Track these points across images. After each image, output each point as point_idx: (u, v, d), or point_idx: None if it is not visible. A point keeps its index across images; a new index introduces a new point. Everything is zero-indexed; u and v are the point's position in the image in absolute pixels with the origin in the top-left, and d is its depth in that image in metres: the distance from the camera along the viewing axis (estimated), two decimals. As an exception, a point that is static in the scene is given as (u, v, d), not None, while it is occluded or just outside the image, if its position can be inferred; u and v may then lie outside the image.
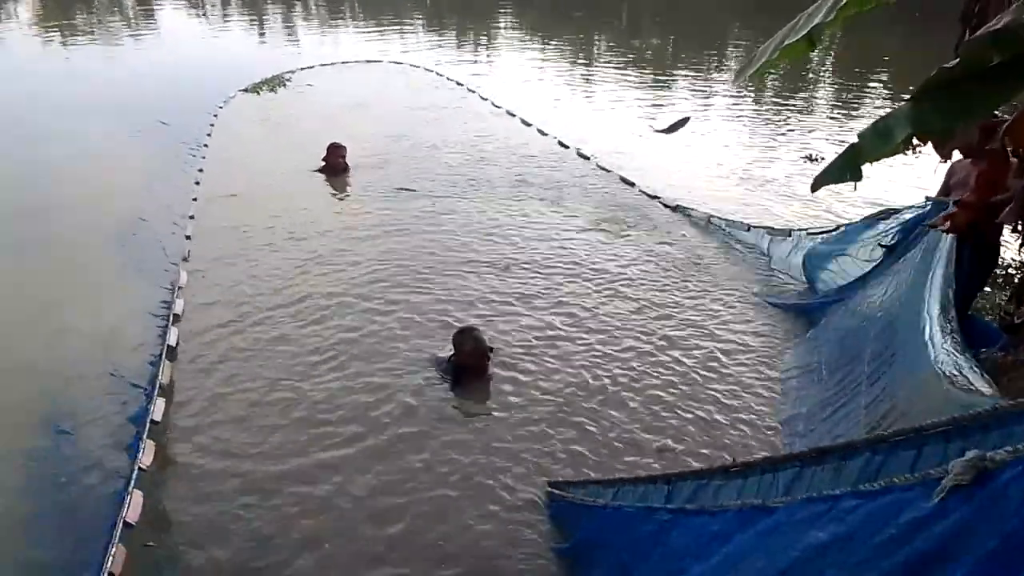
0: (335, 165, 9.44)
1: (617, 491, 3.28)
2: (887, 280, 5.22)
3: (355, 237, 7.51)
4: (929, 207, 5.10)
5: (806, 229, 6.72)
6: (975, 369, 3.52)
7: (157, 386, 4.81)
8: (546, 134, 11.06)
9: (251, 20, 25.20)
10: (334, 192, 9.08)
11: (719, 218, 7.78)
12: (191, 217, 7.94)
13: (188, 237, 7.43)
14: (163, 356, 5.17)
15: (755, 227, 7.35)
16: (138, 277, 6.69)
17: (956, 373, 3.50)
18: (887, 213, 5.59)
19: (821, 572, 1.79)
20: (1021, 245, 4.67)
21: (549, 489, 3.99)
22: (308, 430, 4.58)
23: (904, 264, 5.09)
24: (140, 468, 4.00)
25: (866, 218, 5.81)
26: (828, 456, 2.16)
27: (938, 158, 4.90)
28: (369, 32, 22.45)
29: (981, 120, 4.14)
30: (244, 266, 6.81)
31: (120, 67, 16.60)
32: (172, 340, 5.41)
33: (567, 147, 10.51)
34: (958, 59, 3.05)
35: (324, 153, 9.46)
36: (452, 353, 5.13)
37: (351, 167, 9.55)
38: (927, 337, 4.05)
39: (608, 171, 9.52)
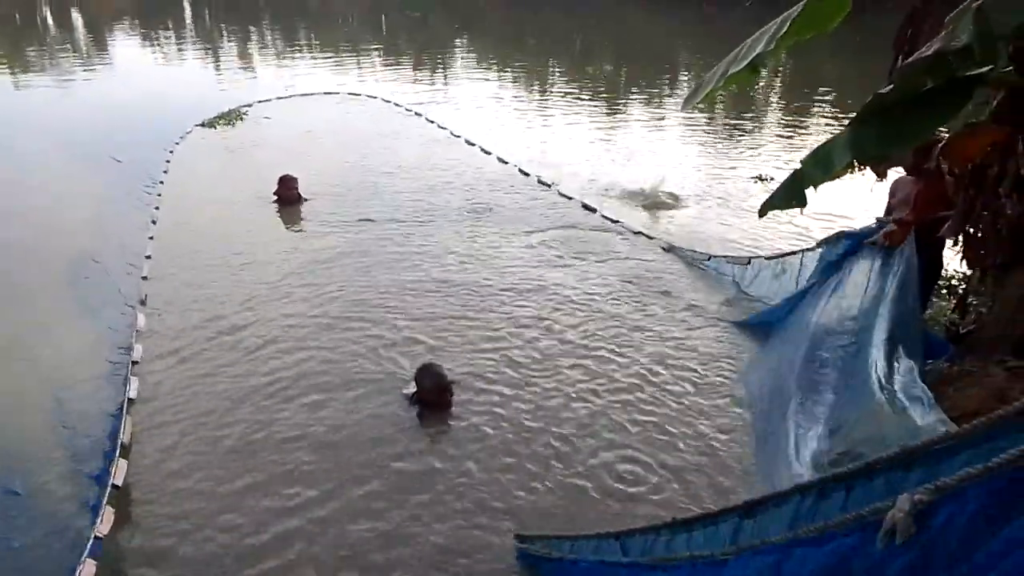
0: (287, 197, 9.44)
1: (573, 545, 3.28)
2: (825, 297, 5.37)
3: (311, 266, 7.50)
4: (875, 227, 5.27)
5: (763, 256, 6.85)
6: (916, 393, 3.66)
7: (119, 445, 4.54)
8: (506, 162, 11.09)
9: (206, 51, 25.03)
10: (288, 224, 9.03)
11: (683, 249, 7.85)
12: (148, 257, 7.73)
13: (145, 278, 7.22)
14: (124, 409, 4.91)
15: (715, 256, 7.43)
16: (93, 320, 6.42)
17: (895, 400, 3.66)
18: (840, 236, 5.74)
19: None
20: (962, 259, 4.84)
21: (516, 538, 3.94)
22: (272, 472, 4.51)
23: (846, 282, 5.24)
24: (97, 536, 3.80)
25: (820, 243, 5.96)
26: (760, 506, 2.21)
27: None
28: (326, 62, 22.47)
29: (916, 144, 4.32)
30: (203, 304, 6.69)
31: (72, 102, 16.25)
32: (132, 392, 5.15)
33: (527, 174, 10.51)
34: (892, 85, 3.19)
35: (285, 193, 9.45)
36: (415, 390, 5.14)
37: (306, 198, 9.53)
38: (871, 360, 4.20)
39: (569, 198, 9.55)
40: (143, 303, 6.68)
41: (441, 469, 4.54)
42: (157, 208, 9.27)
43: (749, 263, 6.91)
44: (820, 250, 5.77)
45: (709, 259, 7.45)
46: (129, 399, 5.04)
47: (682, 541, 2.48)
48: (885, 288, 4.74)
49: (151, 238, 8.25)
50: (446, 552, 3.90)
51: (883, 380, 3.99)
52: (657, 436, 4.82)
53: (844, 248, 5.43)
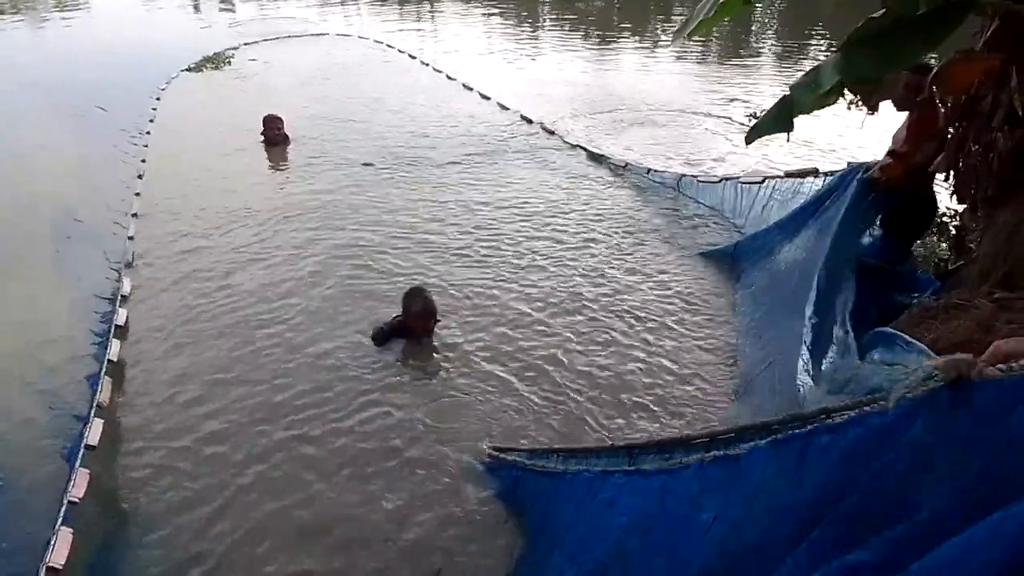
0: (272, 138, 9.31)
1: (567, 458, 3.22)
2: (802, 235, 5.35)
3: (294, 214, 7.27)
4: (849, 170, 5.20)
5: (736, 177, 6.86)
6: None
7: (94, 406, 4.27)
8: (507, 108, 10.79)
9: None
10: (275, 166, 8.86)
11: (650, 170, 7.94)
12: (134, 215, 7.21)
13: (131, 238, 6.73)
14: (102, 372, 4.60)
15: (685, 176, 7.52)
16: (75, 285, 5.94)
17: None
18: (814, 171, 5.66)
19: None
20: (952, 194, 4.79)
21: (491, 453, 3.92)
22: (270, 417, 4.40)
23: (820, 222, 5.21)
24: (71, 501, 3.50)
25: (790, 173, 5.91)
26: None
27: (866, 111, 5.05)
28: (310, 2, 21.90)
29: (908, 67, 4.24)
30: (192, 260, 6.33)
31: (51, 48, 15.71)
32: (113, 354, 4.83)
33: (531, 121, 10.19)
34: (885, 9, 3.10)
35: (270, 135, 9.31)
36: (398, 315, 5.07)
37: (292, 139, 9.39)
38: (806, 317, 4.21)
39: (575, 146, 9.28)
40: (129, 265, 6.24)
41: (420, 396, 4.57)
42: (144, 161, 8.82)
43: (720, 181, 7.04)
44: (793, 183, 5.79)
45: (679, 179, 7.59)
46: (109, 361, 4.76)
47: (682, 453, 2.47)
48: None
49: (137, 194, 7.78)
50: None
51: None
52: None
53: (826, 187, 5.36)
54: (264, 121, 9.33)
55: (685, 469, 2.29)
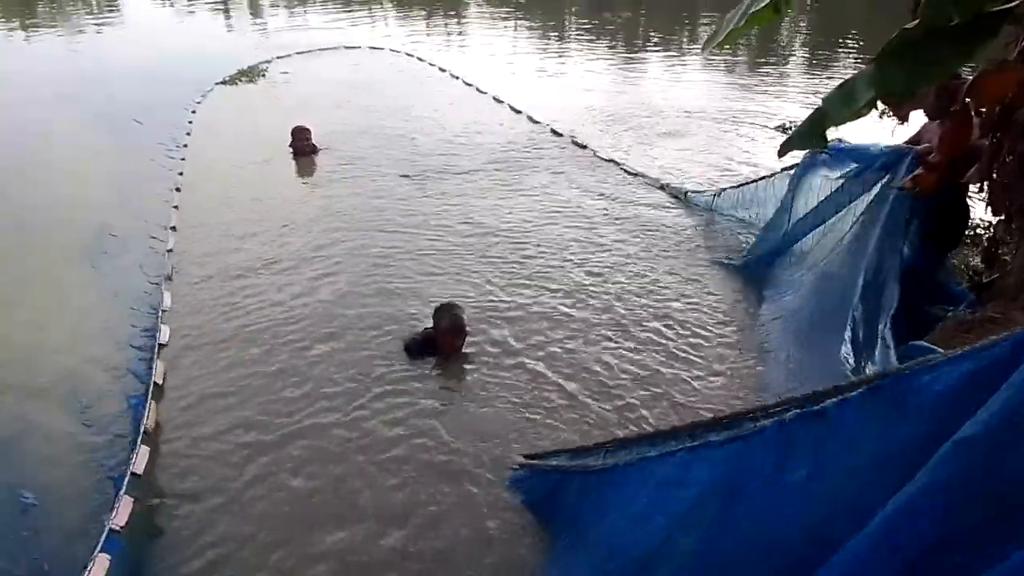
0: (301, 148, 9.46)
1: (615, 451, 3.13)
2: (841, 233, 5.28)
3: (332, 227, 7.27)
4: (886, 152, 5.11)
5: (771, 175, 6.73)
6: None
7: (141, 431, 4.13)
8: (537, 121, 10.71)
9: (215, 5, 24.76)
10: (304, 176, 8.99)
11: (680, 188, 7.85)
12: (172, 228, 7.18)
13: (169, 251, 6.71)
14: (148, 396, 4.46)
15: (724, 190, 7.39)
16: (113, 301, 5.88)
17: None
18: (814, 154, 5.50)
19: None
20: (987, 205, 4.72)
21: (522, 461, 3.89)
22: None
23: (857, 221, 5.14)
24: (112, 528, 3.42)
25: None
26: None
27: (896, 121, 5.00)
28: (337, 13, 22.17)
29: (942, 80, 4.19)
30: (233, 277, 6.25)
31: (88, 60, 15.89)
32: (158, 375, 4.69)
33: (561, 135, 10.05)
34: (918, 20, 3.08)
35: (299, 145, 9.46)
36: (429, 327, 5.05)
37: (321, 149, 9.53)
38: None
39: (607, 160, 9.12)
40: (169, 279, 6.19)
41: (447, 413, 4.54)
42: (181, 174, 8.81)
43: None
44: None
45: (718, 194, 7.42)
46: (156, 384, 4.63)
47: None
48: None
49: (175, 207, 7.76)
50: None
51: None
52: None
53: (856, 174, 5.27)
54: (293, 132, 9.46)
55: (760, 433, 2.22)
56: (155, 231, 7.21)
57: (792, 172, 5.99)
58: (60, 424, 4.42)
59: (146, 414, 4.29)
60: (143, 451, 3.99)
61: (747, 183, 7.08)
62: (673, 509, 2.53)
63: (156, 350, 5.03)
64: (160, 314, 5.55)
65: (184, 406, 4.57)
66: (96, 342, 5.29)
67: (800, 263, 5.68)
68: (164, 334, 5.23)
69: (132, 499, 3.62)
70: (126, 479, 3.74)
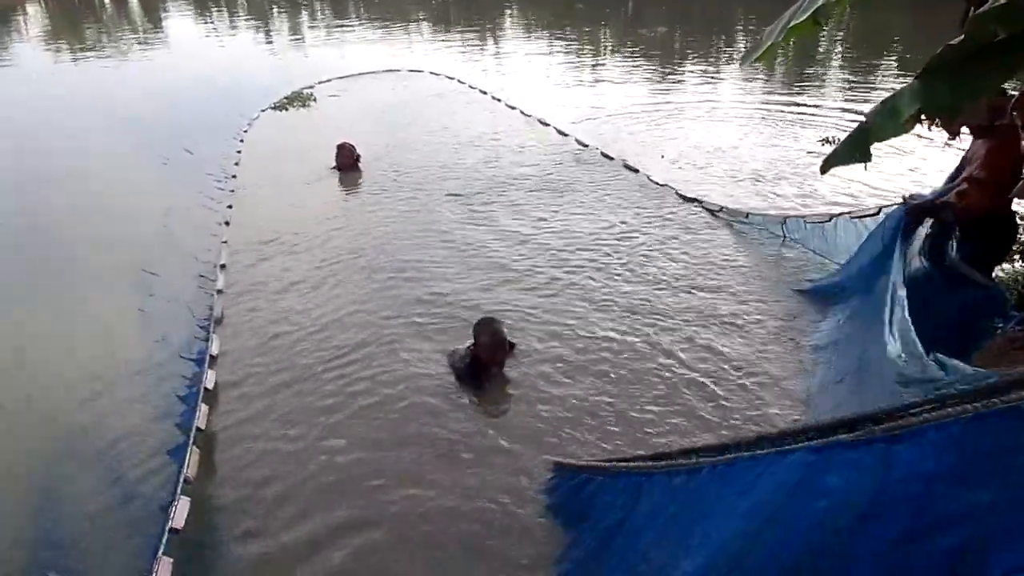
0: (344, 164, 9.84)
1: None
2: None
3: (387, 243, 7.43)
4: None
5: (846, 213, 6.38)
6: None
7: (180, 482, 3.95)
8: (586, 145, 10.59)
9: (257, 27, 25.40)
10: (348, 192, 9.23)
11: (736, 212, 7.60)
12: (222, 266, 6.93)
13: (220, 291, 6.45)
14: (190, 446, 4.28)
15: (789, 217, 7.14)
16: (160, 346, 5.66)
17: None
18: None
19: None
20: (1035, 220, 4.65)
21: (557, 462, 3.96)
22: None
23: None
24: None
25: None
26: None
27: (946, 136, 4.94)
28: (375, 35, 22.59)
29: (989, 96, 4.14)
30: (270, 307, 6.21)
31: (136, 87, 16.19)
32: (201, 422, 4.53)
33: (611, 158, 9.88)
34: (963, 36, 3.07)
35: (343, 162, 9.88)
36: (471, 343, 5.06)
37: (365, 165, 9.94)
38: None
39: (661, 184, 8.88)
40: (219, 322, 5.93)
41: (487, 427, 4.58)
42: (230, 207, 8.68)
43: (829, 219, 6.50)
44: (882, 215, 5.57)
45: (784, 221, 7.13)
46: (198, 428, 4.48)
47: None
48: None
49: (224, 242, 7.54)
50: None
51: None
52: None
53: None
54: (338, 148, 9.87)
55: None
56: (204, 269, 7.01)
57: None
58: (100, 477, 4.32)
59: (186, 464, 4.12)
60: (183, 503, 3.82)
61: (817, 220, 6.71)
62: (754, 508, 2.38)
63: (200, 394, 4.83)
64: (207, 360, 5.26)
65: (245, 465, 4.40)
66: (143, 388, 5.15)
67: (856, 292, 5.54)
68: (210, 379, 5.03)
69: (170, 560, 3.49)
70: (164, 536, 3.58)
